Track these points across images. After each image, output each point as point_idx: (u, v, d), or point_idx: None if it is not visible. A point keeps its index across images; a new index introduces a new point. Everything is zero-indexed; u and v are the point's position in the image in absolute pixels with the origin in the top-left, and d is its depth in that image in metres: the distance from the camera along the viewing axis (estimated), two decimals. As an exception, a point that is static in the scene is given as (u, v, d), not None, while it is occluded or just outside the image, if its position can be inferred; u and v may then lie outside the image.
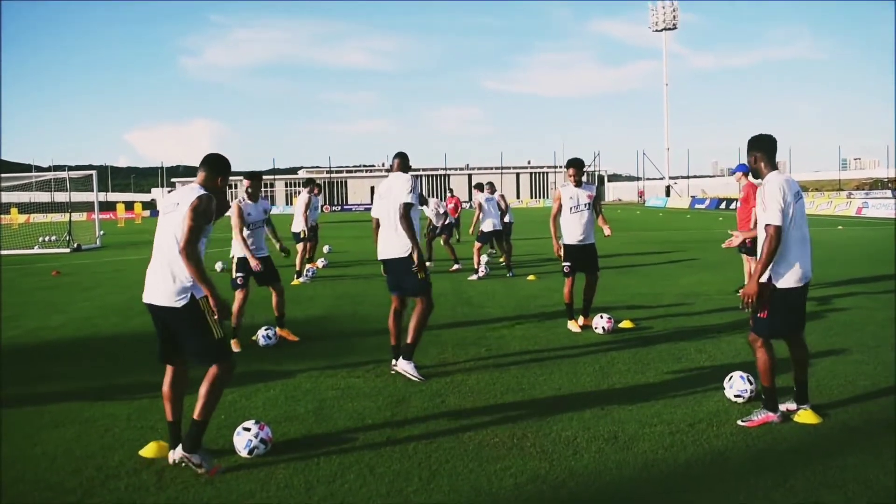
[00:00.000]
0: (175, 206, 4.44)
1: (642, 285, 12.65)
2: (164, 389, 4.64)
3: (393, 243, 6.55)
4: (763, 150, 5.21)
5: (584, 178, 8.74)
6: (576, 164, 8.64)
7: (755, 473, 4.29)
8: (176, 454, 4.49)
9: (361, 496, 4.08)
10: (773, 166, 5.19)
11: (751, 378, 5.68)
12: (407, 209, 6.43)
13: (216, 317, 4.42)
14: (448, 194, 22.00)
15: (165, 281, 4.40)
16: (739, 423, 5.15)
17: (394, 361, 6.78)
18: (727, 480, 4.22)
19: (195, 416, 4.46)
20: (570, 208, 8.60)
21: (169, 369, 4.65)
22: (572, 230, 8.62)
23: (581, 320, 8.83)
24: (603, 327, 8.42)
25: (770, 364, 5.17)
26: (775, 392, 5.20)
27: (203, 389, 4.47)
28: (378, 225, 6.79)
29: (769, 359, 5.17)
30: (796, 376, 5.36)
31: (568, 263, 8.65)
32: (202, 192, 4.43)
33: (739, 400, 5.60)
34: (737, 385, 5.67)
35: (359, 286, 13.37)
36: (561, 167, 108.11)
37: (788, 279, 5.04)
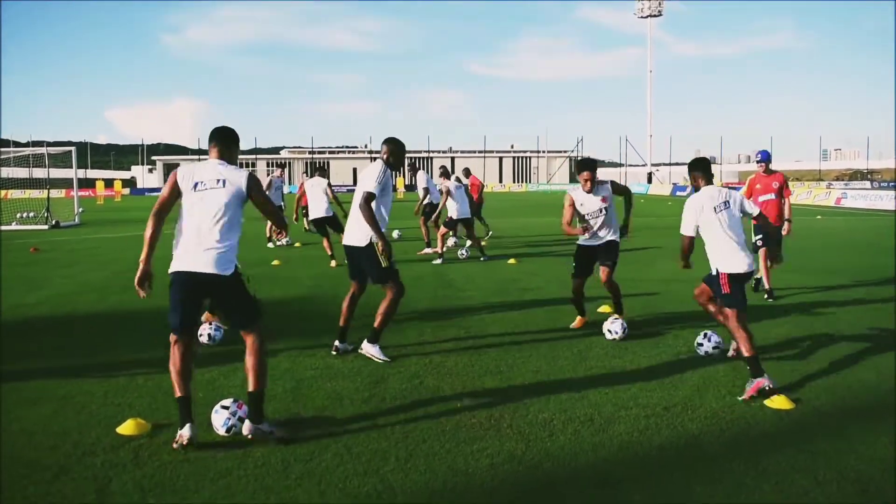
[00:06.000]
0: (217, 184, 4.61)
1: (622, 271, 12.62)
2: (175, 364, 4.57)
3: (354, 231, 6.52)
4: (701, 170, 6.30)
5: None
6: (590, 167, 7.63)
7: (728, 457, 4.35)
8: (246, 429, 4.50)
9: (338, 475, 4.10)
10: (709, 181, 6.28)
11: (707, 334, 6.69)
12: (368, 198, 6.28)
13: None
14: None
15: (218, 252, 4.52)
16: (739, 399, 5.38)
17: (336, 343, 6.79)
18: (700, 463, 4.27)
19: (252, 388, 4.58)
20: (584, 216, 7.74)
21: (180, 344, 4.60)
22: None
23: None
24: (613, 330, 7.33)
25: (748, 333, 5.66)
26: (758, 358, 5.58)
27: (251, 361, 4.61)
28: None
29: (745, 329, 5.70)
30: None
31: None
32: (247, 173, 4.72)
33: (716, 351, 6.56)
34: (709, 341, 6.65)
35: (338, 268, 13.33)
36: (544, 152, 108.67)
37: (730, 267, 5.93)
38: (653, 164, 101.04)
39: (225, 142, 4.78)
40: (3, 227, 25.08)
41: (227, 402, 4.78)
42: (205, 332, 7.20)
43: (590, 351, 6.89)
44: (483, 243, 16.40)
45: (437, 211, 15.74)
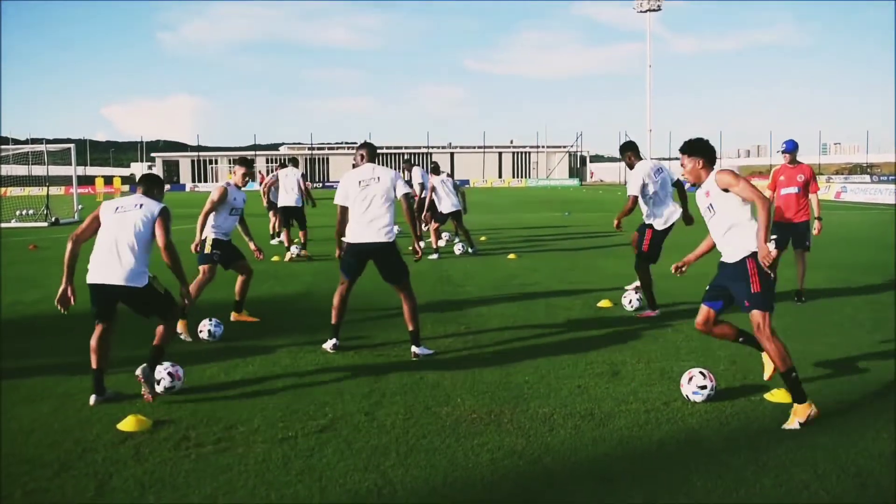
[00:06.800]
0: (135, 207, 5.36)
1: (621, 266, 12.70)
2: (93, 342, 5.34)
3: (373, 229, 6.50)
4: (631, 150, 8.50)
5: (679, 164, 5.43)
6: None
7: (727, 451, 4.35)
8: (139, 371, 5.24)
9: (339, 470, 4.11)
10: (640, 158, 8.44)
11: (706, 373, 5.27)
12: (410, 200, 6.79)
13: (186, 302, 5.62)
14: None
15: (131, 267, 5.21)
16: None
17: (334, 341, 6.74)
18: (700, 458, 4.28)
19: (155, 343, 5.40)
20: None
21: (99, 328, 5.38)
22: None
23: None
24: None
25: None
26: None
27: (159, 330, 5.45)
28: (344, 213, 6.68)
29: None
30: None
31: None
32: (163, 205, 5.45)
33: (698, 398, 5.16)
34: (696, 381, 5.20)
35: (338, 263, 13.30)
36: (543, 147, 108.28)
37: (659, 224, 8.45)
38: (652, 159, 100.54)
39: (149, 184, 5.62)
40: (3, 225, 25.07)
41: (167, 363, 5.49)
42: (205, 328, 7.20)
43: (590, 346, 6.89)
44: (483, 238, 16.41)
45: (426, 206, 15.63)
